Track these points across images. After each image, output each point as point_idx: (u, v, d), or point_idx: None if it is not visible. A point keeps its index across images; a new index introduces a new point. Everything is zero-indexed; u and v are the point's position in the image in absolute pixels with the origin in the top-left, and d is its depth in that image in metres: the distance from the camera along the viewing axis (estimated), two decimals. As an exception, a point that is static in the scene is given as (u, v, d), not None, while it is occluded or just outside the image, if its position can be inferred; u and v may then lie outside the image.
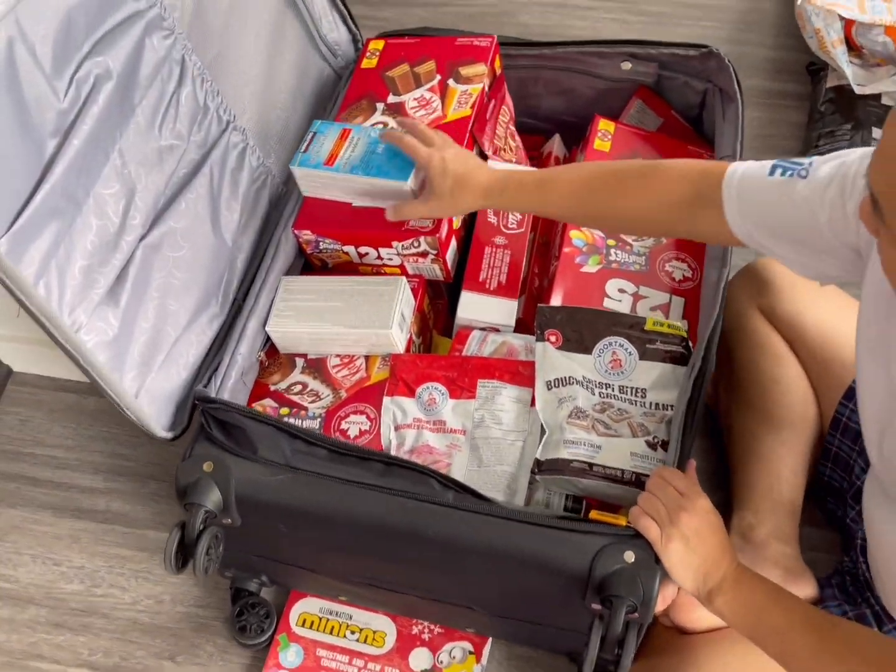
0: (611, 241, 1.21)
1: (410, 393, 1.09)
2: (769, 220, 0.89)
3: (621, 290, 1.18)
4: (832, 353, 1.14)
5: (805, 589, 1.06)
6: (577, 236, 1.21)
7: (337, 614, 1.16)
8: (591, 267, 1.19)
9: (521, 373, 1.09)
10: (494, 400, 1.07)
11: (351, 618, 1.16)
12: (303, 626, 1.15)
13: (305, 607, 1.16)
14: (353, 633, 1.15)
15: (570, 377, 1.05)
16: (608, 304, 1.17)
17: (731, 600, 0.88)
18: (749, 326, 1.20)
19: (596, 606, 0.90)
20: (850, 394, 1.11)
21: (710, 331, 1.04)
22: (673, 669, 1.01)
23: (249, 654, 1.15)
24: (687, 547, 0.88)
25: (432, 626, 1.14)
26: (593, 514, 0.94)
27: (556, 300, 1.16)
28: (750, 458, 1.17)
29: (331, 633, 1.15)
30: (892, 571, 0.92)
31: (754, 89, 1.66)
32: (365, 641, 1.14)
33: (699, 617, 1.04)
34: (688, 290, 1.19)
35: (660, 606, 1.01)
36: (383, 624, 1.15)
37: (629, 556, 0.89)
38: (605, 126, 1.30)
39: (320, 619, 1.16)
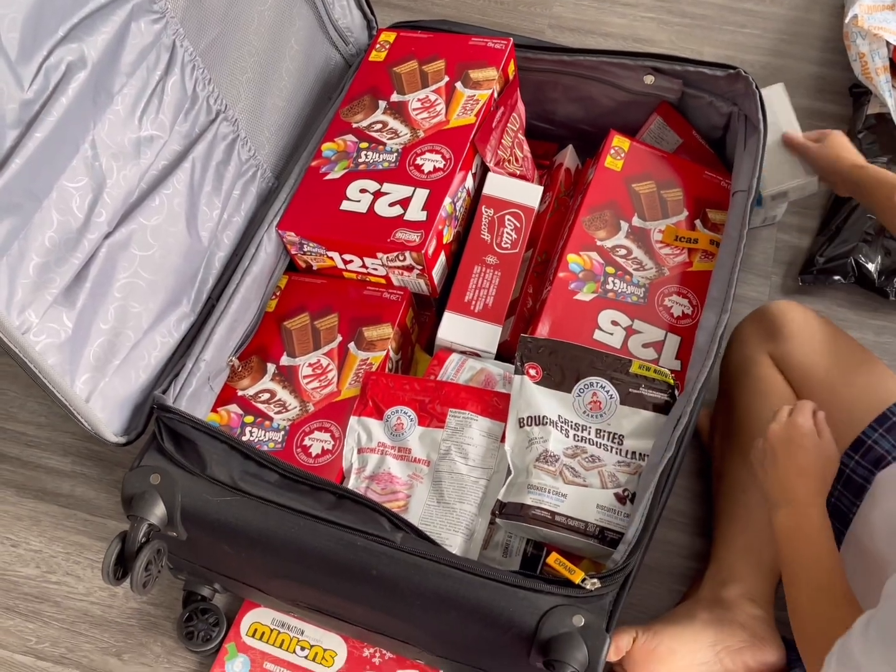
0: (609, 269, 1.15)
1: (378, 415, 1.05)
2: None
3: (614, 323, 1.12)
4: (841, 407, 1.08)
5: (768, 655, 1.01)
6: (574, 260, 1.15)
7: (289, 628, 1.13)
8: (585, 295, 1.13)
9: (495, 405, 1.04)
10: (464, 432, 1.03)
11: (303, 633, 1.13)
12: (253, 636, 1.12)
13: (258, 617, 1.13)
14: (303, 648, 1.12)
15: (544, 416, 1.00)
16: (599, 336, 1.11)
17: (784, 533, 0.93)
18: (755, 373, 1.14)
19: (539, 666, 0.86)
20: (857, 445, 1.05)
21: (700, 383, 0.98)
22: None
23: (197, 658, 1.13)
24: (769, 456, 0.97)
25: (384, 651, 1.11)
26: (552, 559, 0.89)
27: (543, 328, 1.11)
28: (736, 511, 1.11)
29: (280, 646, 1.12)
30: None
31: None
32: (314, 659, 1.11)
33: (654, 672, 1.00)
34: (685, 328, 1.13)
35: (613, 657, 0.98)
36: (335, 643, 1.12)
37: (578, 620, 0.85)
38: (619, 143, 1.23)
39: (272, 630, 1.13)
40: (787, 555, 0.93)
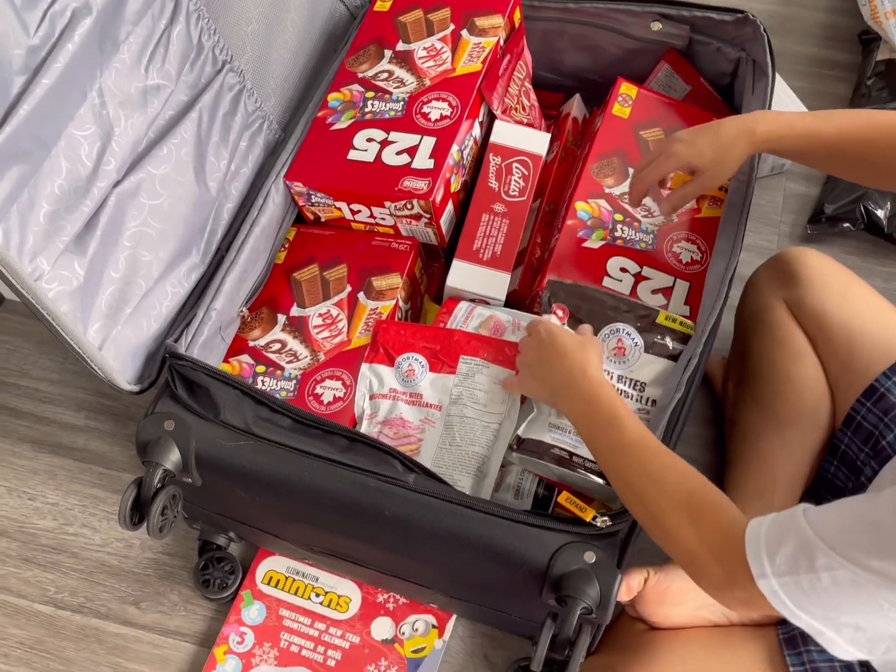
0: (618, 216, 1.15)
1: (390, 362, 1.06)
2: None
3: (623, 269, 1.12)
4: (856, 353, 1.07)
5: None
6: (582, 208, 1.15)
7: (303, 575, 1.14)
8: (593, 242, 1.13)
9: (505, 354, 1.04)
10: (474, 378, 1.03)
11: (317, 580, 1.14)
12: (268, 584, 1.14)
13: (272, 565, 1.15)
14: (317, 595, 1.13)
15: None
16: (608, 283, 1.11)
17: (573, 411, 0.90)
18: (770, 320, 1.13)
19: (552, 603, 0.87)
20: (870, 392, 1.05)
21: (710, 326, 0.98)
22: (628, 666, 0.98)
23: (213, 606, 1.15)
24: (531, 372, 0.96)
25: (398, 597, 1.13)
26: (563, 498, 0.90)
27: (552, 275, 1.11)
28: (748, 456, 1.12)
29: (295, 593, 1.14)
30: None
31: (801, 56, 1.57)
32: (329, 605, 1.13)
33: (666, 613, 1.01)
34: (694, 273, 1.13)
35: (624, 597, 0.99)
36: (349, 589, 1.13)
37: (589, 557, 0.86)
38: (626, 90, 1.23)
39: (286, 578, 1.14)
40: (597, 430, 0.86)
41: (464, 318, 1.08)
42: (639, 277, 1.12)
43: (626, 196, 1.16)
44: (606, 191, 1.16)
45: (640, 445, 0.84)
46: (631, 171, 1.18)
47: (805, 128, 0.96)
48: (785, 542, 0.70)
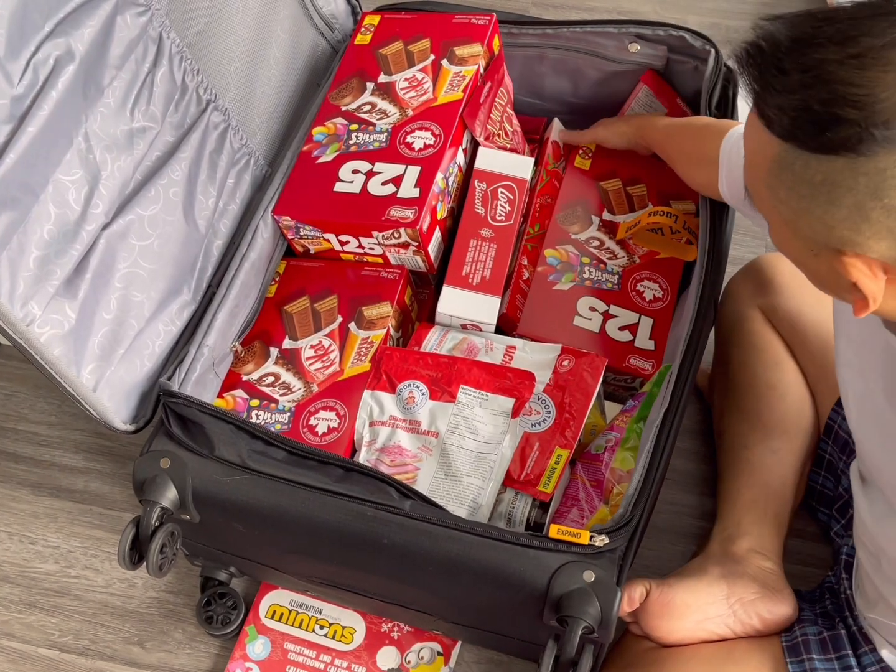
0: (585, 259, 1.19)
1: (391, 389, 1.06)
2: None
3: (592, 309, 1.17)
4: (832, 358, 1.08)
5: (782, 607, 1.01)
6: (551, 254, 1.19)
7: (307, 608, 1.14)
8: (563, 285, 1.18)
9: (508, 380, 1.05)
10: (473, 408, 1.04)
11: (321, 612, 1.14)
12: (272, 618, 1.14)
13: (276, 599, 1.15)
14: (322, 627, 1.13)
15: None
16: (578, 322, 1.16)
17: None
18: (748, 328, 1.15)
19: (553, 624, 0.87)
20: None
21: (688, 336, 0.99)
22: (635, 687, 0.98)
23: (218, 643, 1.15)
24: None
25: (402, 625, 1.13)
26: (553, 532, 0.89)
27: (525, 319, 1.14)
28: (738, 467, 1.12)
29: (300, 626, 1.13)
30: None
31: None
32: (333, 637, 1.13)
33: (669, 627, 1.00)
34: (657, 310, 1.17)
35: (626, 608, 0.99)
36: (353, 620, 1.13)
37: (588, 576, 0.86)
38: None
39: (290, 611, 1.14)
40: None
41: (437, 343, 1.10)
42: (607, 315, 1.16)
43: (591, 240, 1.20)
44: (573, 237, 1.21)
45: None
46: (594, 218, 1.22)
47: (660, 126, 1.16)
48: None
